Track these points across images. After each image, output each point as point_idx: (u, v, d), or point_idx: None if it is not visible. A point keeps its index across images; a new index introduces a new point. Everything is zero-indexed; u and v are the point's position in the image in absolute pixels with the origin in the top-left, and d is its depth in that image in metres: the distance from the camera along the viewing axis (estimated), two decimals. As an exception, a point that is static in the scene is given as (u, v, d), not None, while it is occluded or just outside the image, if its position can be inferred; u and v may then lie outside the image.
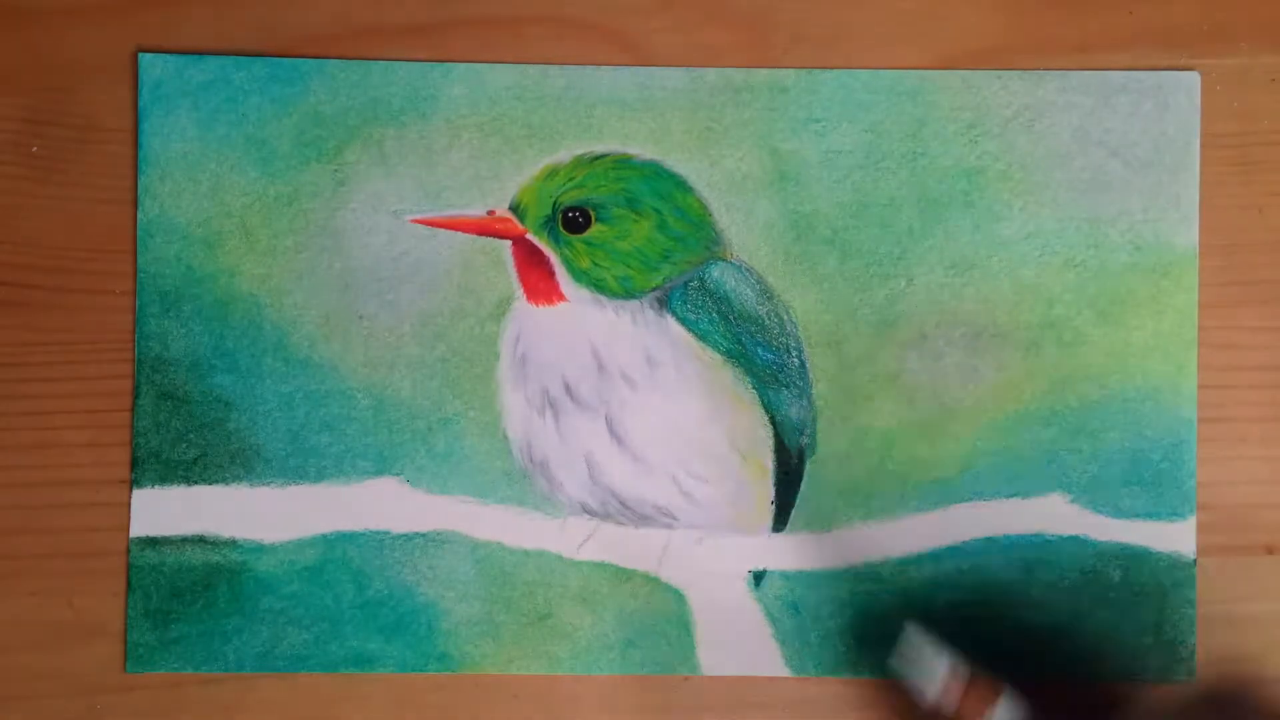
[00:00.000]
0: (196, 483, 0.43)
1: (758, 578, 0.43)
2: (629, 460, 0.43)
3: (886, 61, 0.43)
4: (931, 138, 0.43)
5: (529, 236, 0.43)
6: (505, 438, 0.43)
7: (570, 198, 0.43)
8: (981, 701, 0.38)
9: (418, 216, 0.43)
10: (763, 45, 0.44)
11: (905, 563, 0.43)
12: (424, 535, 0.43)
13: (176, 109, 0.43)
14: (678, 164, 0.43)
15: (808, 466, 0.43)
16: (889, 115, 0.43)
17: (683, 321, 0.43)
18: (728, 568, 0.43)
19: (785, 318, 0.43)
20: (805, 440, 0.43)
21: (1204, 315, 0.43)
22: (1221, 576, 0.43)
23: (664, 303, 0.43)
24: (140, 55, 0.43)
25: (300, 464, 0.43)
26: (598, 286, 0.43)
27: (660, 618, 0.43)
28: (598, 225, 0.43)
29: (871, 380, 0.43)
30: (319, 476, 0.43)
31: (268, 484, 0.43)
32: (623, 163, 0.43)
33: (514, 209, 0.43)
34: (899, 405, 0.43)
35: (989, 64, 0.43)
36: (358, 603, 0.43)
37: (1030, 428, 0.43)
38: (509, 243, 0.43)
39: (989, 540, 0.43)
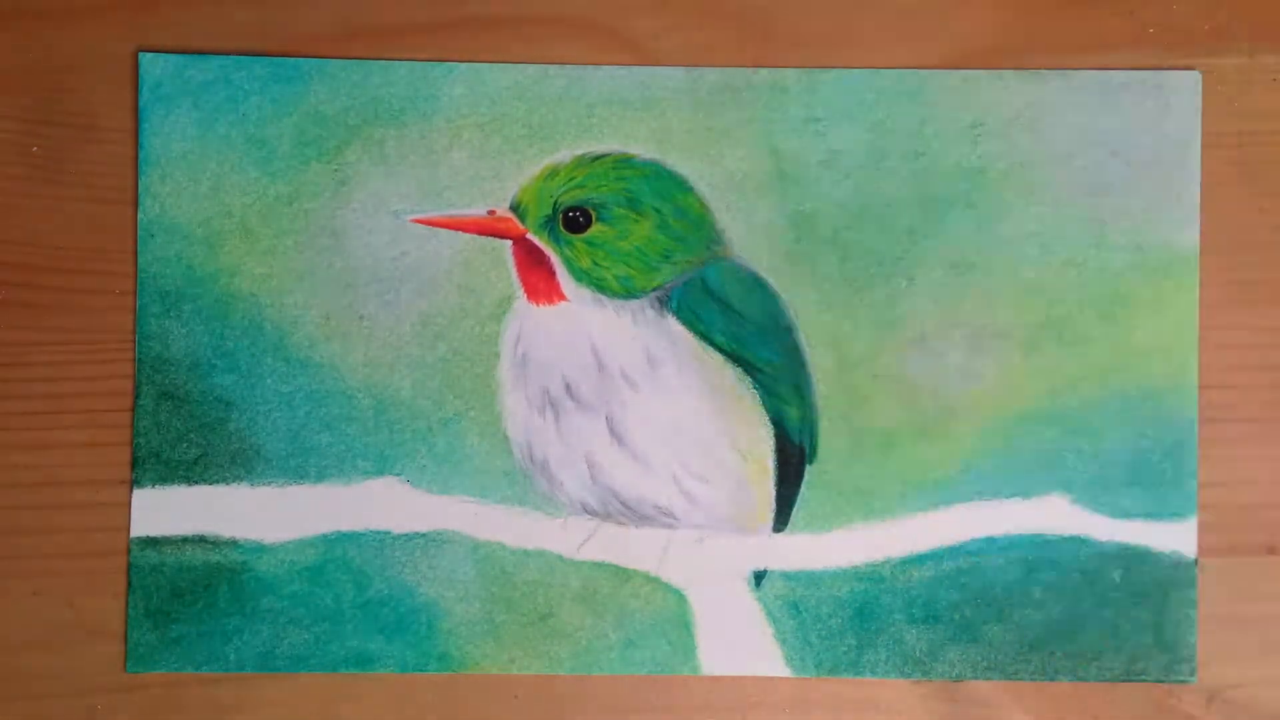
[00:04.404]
0: (197, 483, 0.43)
1: (758, 578, 0.43)
2: (629, 460, 0.43)
3: (887, 61, 0.43)
4: (933, 137, 0.43)
5: (529, 236, 0.43)
6: (506, 438, 0.43)
7: (571, 197, 0.43)
8: None
9: (418, 216, 0.43)
10: (763, 45, 0.44)
11: (905, 563, 0.43)
12: (424, 535, 0.43)
13: (176, 109, 0.43)
14: (678, 164, 0.43)
15: (808, 466, 0.43)
16: (890, 115, 0.43)
17: (683, 321, 0.43)
18: (728, 568, 0.43)
19: (786, 318, 0.43)
20: (805, 440, 0.43)
21: (1204, 315, 0.43)
22: (1222, 577, 0.43)
23: (665, 302, 0.43)
24: (140, 55, 0.43)
25: (301, 464, 0.43)
26: (598, 286, 0.43)
27: (660, 618, 0.43)
28: (598, 225, 0.43)
29: (872, 380, 0.43)
30: (319, 476, 0.43)
31: (268, 484, 0.43)
32: (623, 163, 0.43)
33: (514, 209, 0.43)
34: (899, 405, 0.43)
35: (990, 64, 0.43)
36: (358, 603, 0.43)
37: (1031, 427, 0.43)
38: (509, 243, 0.43)
39: (989, 540, 0.43)
